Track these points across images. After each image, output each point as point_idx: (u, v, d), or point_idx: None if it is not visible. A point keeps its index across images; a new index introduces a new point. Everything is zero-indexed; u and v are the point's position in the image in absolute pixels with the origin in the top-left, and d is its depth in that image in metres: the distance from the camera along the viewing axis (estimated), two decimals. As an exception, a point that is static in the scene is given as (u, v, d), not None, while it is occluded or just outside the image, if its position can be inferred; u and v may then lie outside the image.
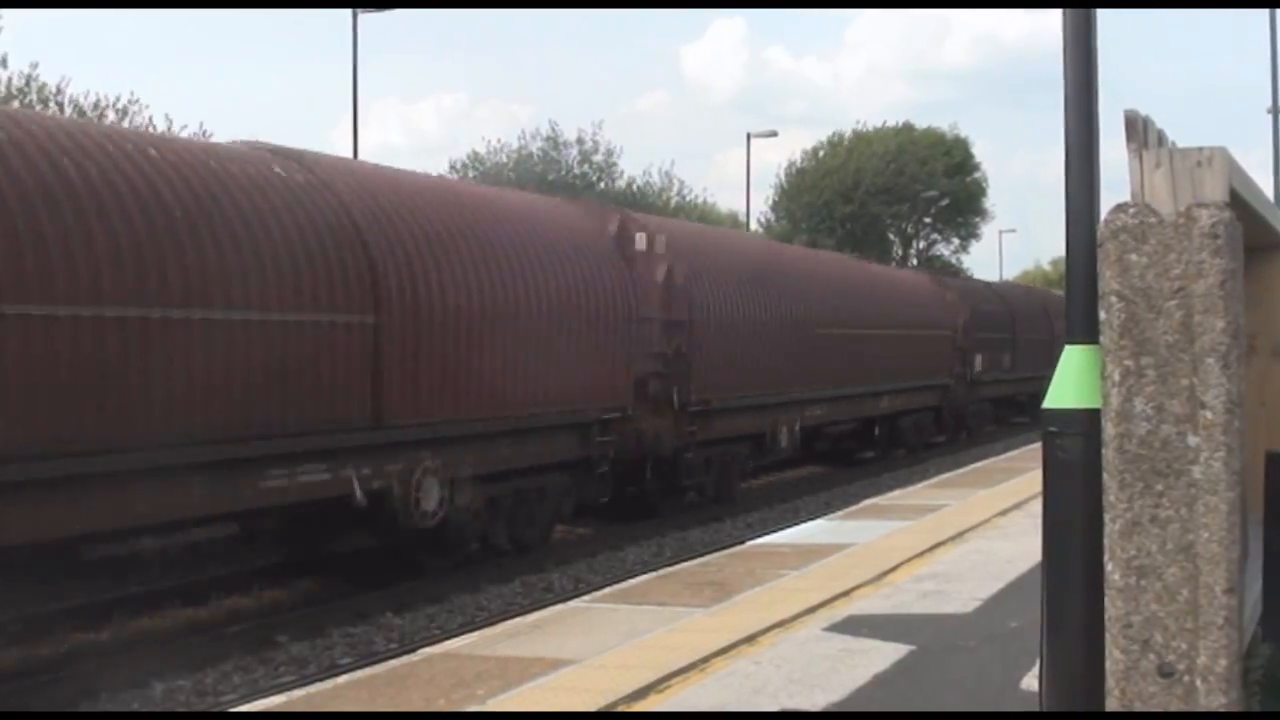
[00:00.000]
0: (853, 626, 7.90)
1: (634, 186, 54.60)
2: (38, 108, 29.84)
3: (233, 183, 11.21)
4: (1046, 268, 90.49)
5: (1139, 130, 3.95)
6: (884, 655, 7.14)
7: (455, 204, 14.67)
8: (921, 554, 10.71)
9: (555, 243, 15.78)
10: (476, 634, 8.60)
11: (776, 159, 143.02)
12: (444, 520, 13.11)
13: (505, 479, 14.52)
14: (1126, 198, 3.89)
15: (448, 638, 9.86)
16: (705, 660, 7.09)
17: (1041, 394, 4.24)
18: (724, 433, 19.73)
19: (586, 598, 9.91)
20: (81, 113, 30.95)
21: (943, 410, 31.28)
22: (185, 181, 10.64)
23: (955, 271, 62.28)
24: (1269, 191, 5.41)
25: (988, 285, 41.60)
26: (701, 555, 13.01)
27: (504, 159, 53.06)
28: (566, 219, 17.19)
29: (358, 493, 11.84)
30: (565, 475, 15.82)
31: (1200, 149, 3.90)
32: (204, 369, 10.34)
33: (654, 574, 10.97)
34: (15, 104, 29.18)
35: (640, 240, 17.95)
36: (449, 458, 13.18)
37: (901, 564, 10.21)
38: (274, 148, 12.88)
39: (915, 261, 65.16)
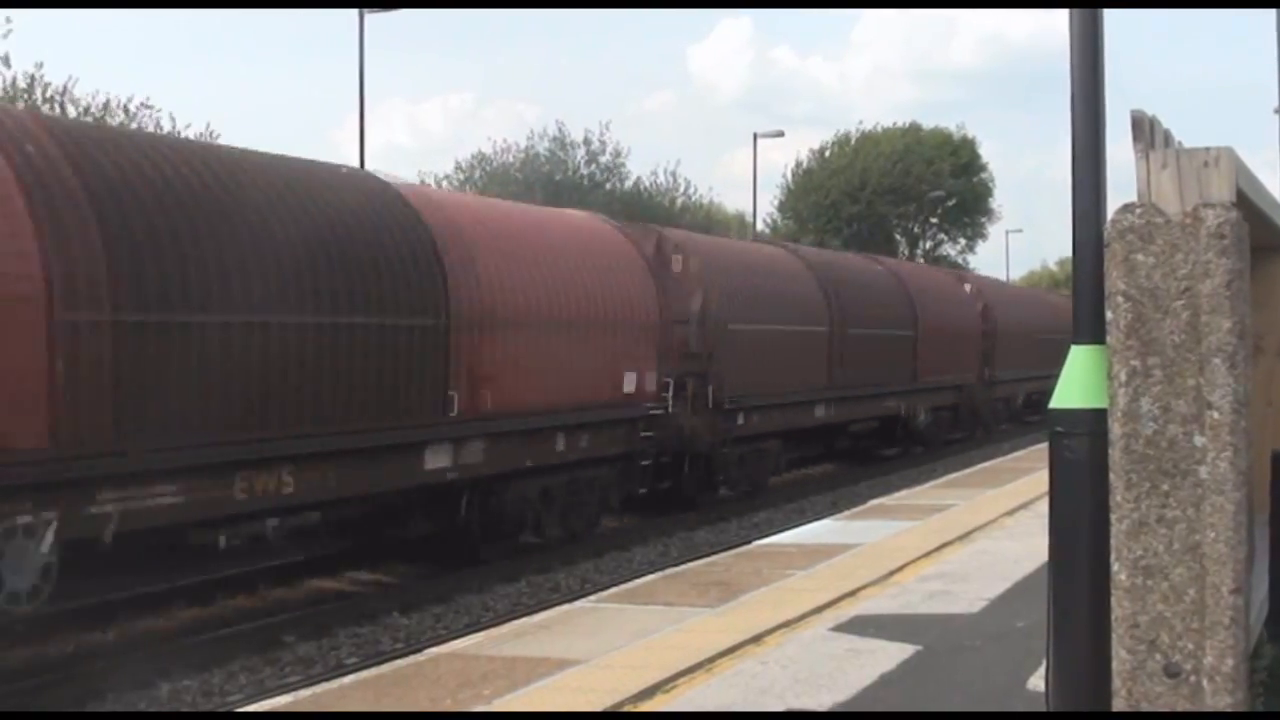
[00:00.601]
0: (859, 626, 7.90)
1: (641, 187, 54.58)
2: (43, 109, 29.88)
3: (872, 274, 28.26)
4: (1053, 268, 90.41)
5: (1146, 130, 3.95)
6: (890, 655, 7.14)
7: (925, 275, 33.97)
8: (928, 554, 10.71)
9: (954, 291, 33.20)
10: (483, 634, 8.61)
11: (783, 159, 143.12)
12: (924, 428, 28.24)
13: (934, 411, 28.88)
14: (1133, 198, 3.89)
15: (454, 638, 9.86)
16: (712, 660, 7.09)
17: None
18: (1000, 395, 34.44)
19: (593, 598, 9.92)
20: (88, 112, 30.97)
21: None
22: (846, 273, 26.57)
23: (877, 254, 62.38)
24: (1275, 192, 5.39)
25: None
26: (708, 555, 13.01)
27: (510, 159, 53.04)
28: (945, 277, 35.85)
29: (902, 411, 26.60)
30: (949, 412, 30.32)
31: (1207, 149, 3.90)
32: (873, 356, 25.07)
33: (660, 574, 10.98)
34: (20, 104, 29.23)
35: (966, 288, 34.40)
36: (925, 398, 28.17)
37: (908, 564, 10.20)
38: (867, 256, 33.43)
39: (921, 262, 65.10)
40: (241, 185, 11.34)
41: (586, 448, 15.59)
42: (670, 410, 17.31)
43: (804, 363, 22.09)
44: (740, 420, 19.76)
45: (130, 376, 9.70)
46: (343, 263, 11.91)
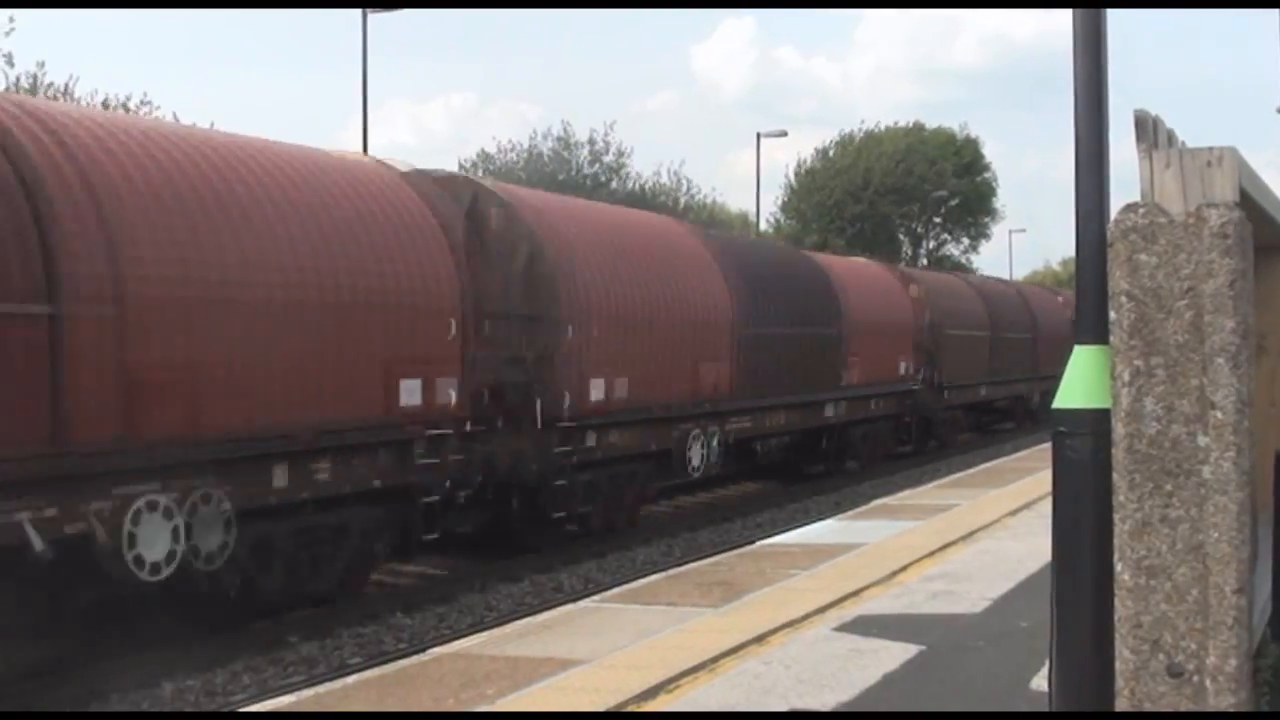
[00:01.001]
0: (862, 626, 7.90)
1: (644, 187, 54.60)
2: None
3: (1008, 293, 38.92)
4: (1056, 268, 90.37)
5: (1149, 130, 3.95)
6: (893, 655, 7.14)
7: (1037, 293, 43.65)
8: (931, 554, 10.70)
9: (1053, 303, 41.26)
10: (486, 634, 8.62)
11: (786, 158, 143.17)
12: (1037, 407, 35.62)
13: (1043, 394, 34.43)
14: (1137, 197, 3.89)
15: (457, 638, 9.87)
16: (715, 660, 7.09)
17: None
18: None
19: (596, 598, 9.92)
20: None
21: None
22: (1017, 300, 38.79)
23: (967, 273, 62.25)
24: (1278, 191, 5.39)
25: None
26: (711, 555, 13.02)
27: (514, 158, 53.09)
28: (1047, 294, 43.70)
29: (1024, 393, 36.17)
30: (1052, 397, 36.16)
31: (1210, 149, 3.90)
32: (1012, 353, 34.75)
33: (663, 574, 10.98)
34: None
35: (1060, 300, 42.03)
36: (1038, 385, 35.54)
37: (911, 564, 10.20)
38: (1000, 281, 44.75)
39: (925, 262, 65.06)
40: (784, 263, 23.70)
41: (881, 409, 26.30)
42: (919, 387, 27.86)
43: (977, 357, 32.16)
44: (946, 395, 29.64)
45: (746, 361, 19.85)
46: (805, 300, 22.57)
